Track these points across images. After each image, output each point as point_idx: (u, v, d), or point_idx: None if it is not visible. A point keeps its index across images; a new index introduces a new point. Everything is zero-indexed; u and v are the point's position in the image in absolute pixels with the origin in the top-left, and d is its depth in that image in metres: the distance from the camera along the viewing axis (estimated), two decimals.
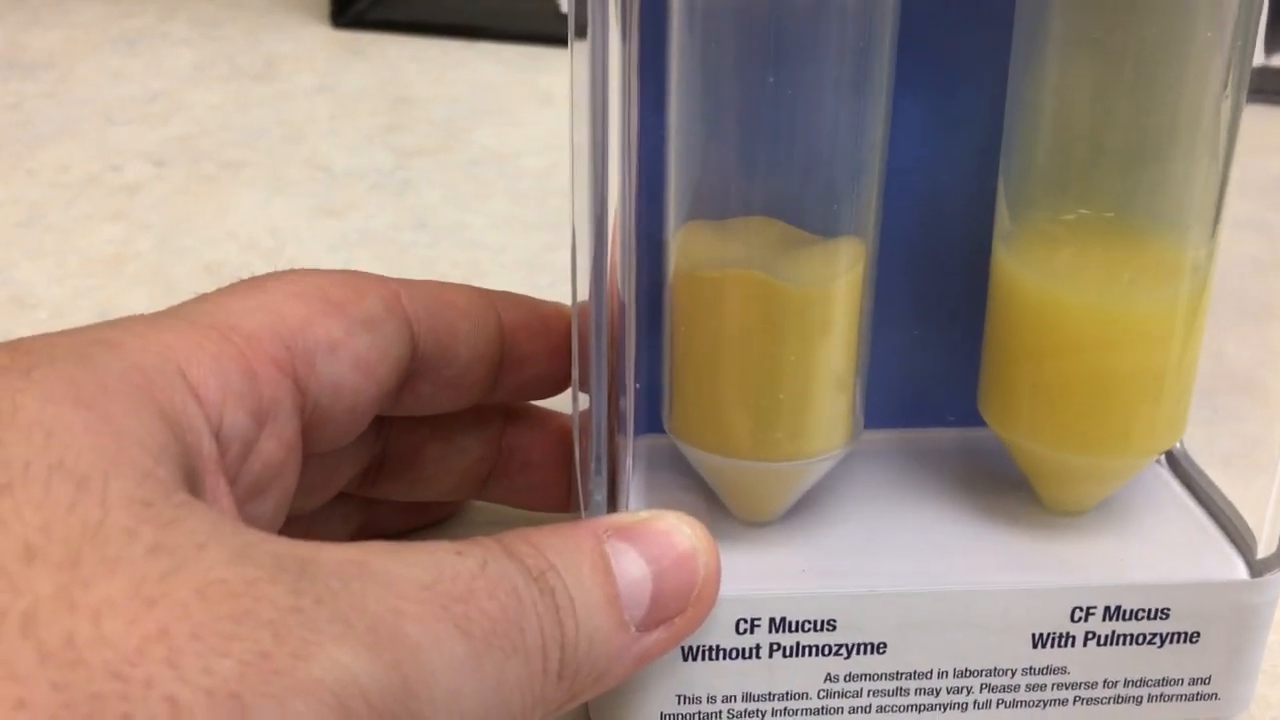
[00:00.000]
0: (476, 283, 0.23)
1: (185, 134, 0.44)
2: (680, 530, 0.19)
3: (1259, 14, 0.20)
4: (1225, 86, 0.19)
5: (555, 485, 0.25)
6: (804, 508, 0.23)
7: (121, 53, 0.51)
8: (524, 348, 0.23)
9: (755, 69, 0.19)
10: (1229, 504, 0.23)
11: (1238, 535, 0.22)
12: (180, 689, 0.13)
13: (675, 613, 0.19)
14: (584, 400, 0.21)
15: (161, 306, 0.21)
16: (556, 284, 0.35)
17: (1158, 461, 0.24)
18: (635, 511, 0.19)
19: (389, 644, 0.15)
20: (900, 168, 0.21)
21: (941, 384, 0.24)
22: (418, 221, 0.39)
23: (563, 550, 0.18)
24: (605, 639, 0.18)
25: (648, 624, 0.18)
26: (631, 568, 0.18)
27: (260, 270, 0.22)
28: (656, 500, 0.23)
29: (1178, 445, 0.24)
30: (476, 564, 0.17)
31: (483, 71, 0.50)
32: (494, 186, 0.41)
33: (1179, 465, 0.24)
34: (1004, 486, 0.23)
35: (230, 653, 0.14)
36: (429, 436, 0.24)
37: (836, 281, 0.20)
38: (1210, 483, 0.23)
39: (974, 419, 0.23)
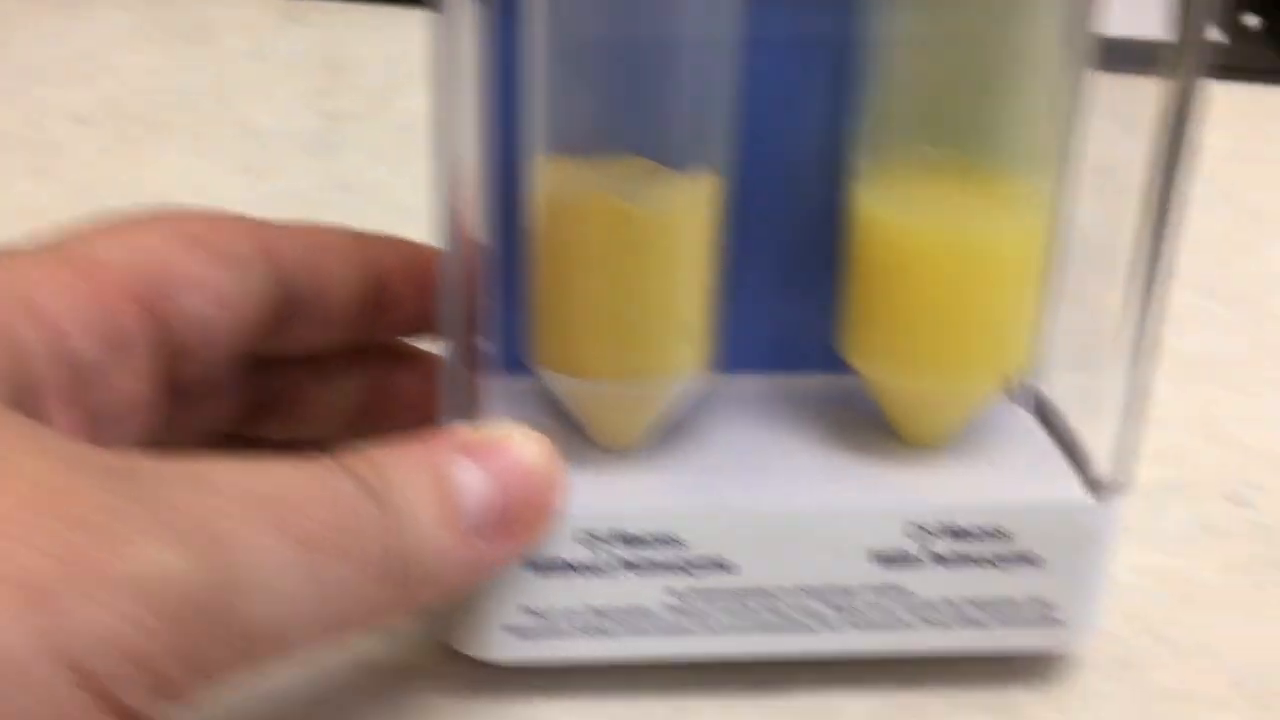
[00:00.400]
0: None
1: (113, 95, 0.44)
2: (524, 445, 0.19)
3: None
4: (1065, 24, 0.20)
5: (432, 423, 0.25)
6: (667, 440, 0.23)
7: (58, 15, 0.50)
8: (399, 288, 0.23)
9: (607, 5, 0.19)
10: (1079, 437, 0.23)
11: (1084, 463, 0.23)
12: None
13: (517, 525, 0.19)
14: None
15: None
16: None
17: (1019, 403, 0.25)
18: (476, 427, 0.20)
19: (208, 542, 0.15)
20: (761, 115, 0.22)
21: (813, 331, 0.24)
22: (342, 183, 0.39)
23: (401, 464, 0.18)
24: (444, 550, 0.18)
25: (489, 535, 0.19)
26: (473, 481, 0.19)
27: None
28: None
29: (1040, 387, 0.24)
30: (309, 475, 0.17)
31: (416, 37, 0.50)
32: (420, 149, 0.41)
33: (1040, 406, 0.24)
34: (866, 425, 0.23)
35: (42, 548, 0.14)
36: (309, 377, 0.24)
37: (691, 210, 0.21)
38: (1065, 420, 0.24)
39: (845, 366, 0.23)
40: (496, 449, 0.19)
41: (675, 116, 0.20)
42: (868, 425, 0.23)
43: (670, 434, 0.23)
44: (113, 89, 0.44)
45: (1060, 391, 0.24)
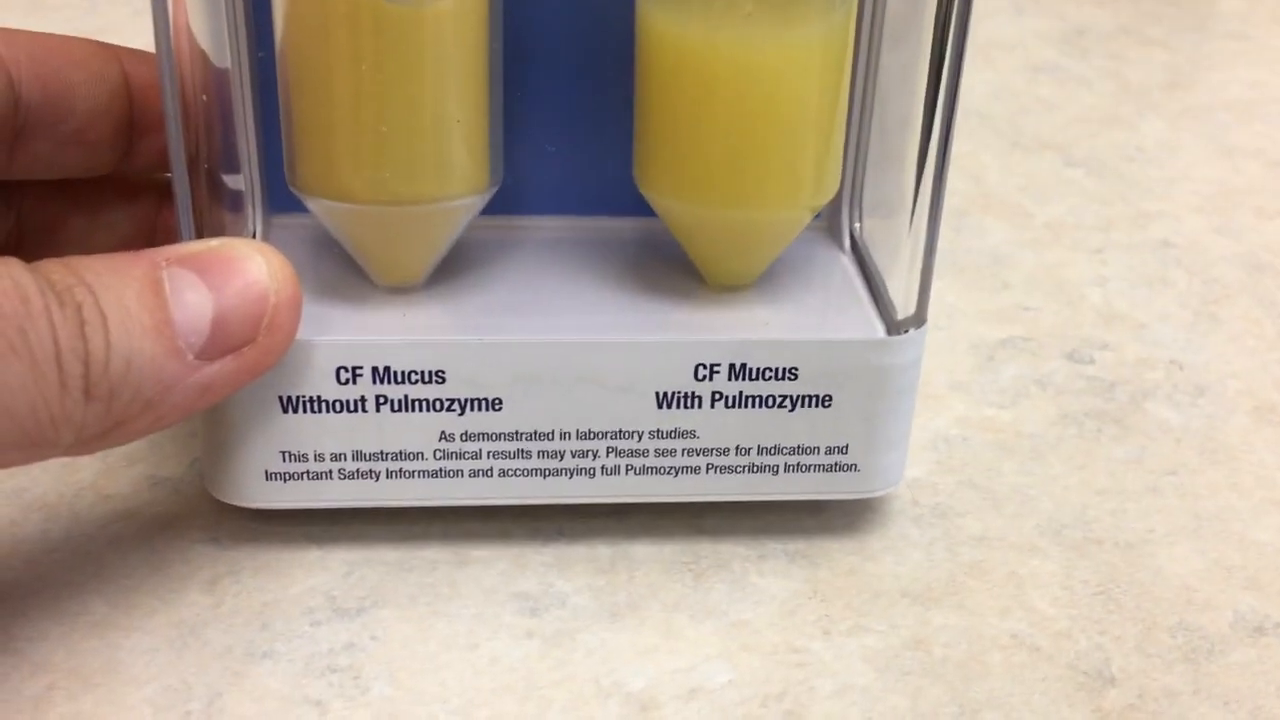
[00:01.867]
0: None
1: None
2: (250, 258, 0.17)
3: None
4: None
5: None
6: (452, 278, 0.21)
7: None
8: (157, 108, 0.21)
9: None
10: (884, 280, 0.22)
11: (886, 306, 0.21)
12: None
13: (243, 342, 0.17)
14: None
15: None
16: None
17: (838, 248, 0.23)
18: (202, 240, 0.18)
19: None
20: None
21: (618, 176, 0.22)
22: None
23: (104, 272, 0.17)
24: (151, 363, 0.16)
25: (210, 353, 0.17)
26: (189, 294, 0.17)
27: None
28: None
29: (857, 230, 0.23)
30: None
31: None
32: None
33: (855, 247, 0.23)
34: (668, 267, 0.22)
35: None
36: (70, 208, 0.22)
37: (457, 6, 0.18)
38: (874, 263, 0.22)
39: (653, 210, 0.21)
40: (220, 261, 0.17)
41: None
42: (671, 267, 0.22)
43: (456, 272, 0.21)
44: None
45: (872, 235, 0.23)
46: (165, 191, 0.23)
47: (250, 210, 0.21)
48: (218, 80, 0.19)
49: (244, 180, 0.21)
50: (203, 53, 0.19)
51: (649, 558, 0.21)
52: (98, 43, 0.21)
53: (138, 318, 0.16)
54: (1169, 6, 0.43)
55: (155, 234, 0.23)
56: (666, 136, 0.20)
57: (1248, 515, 0.23)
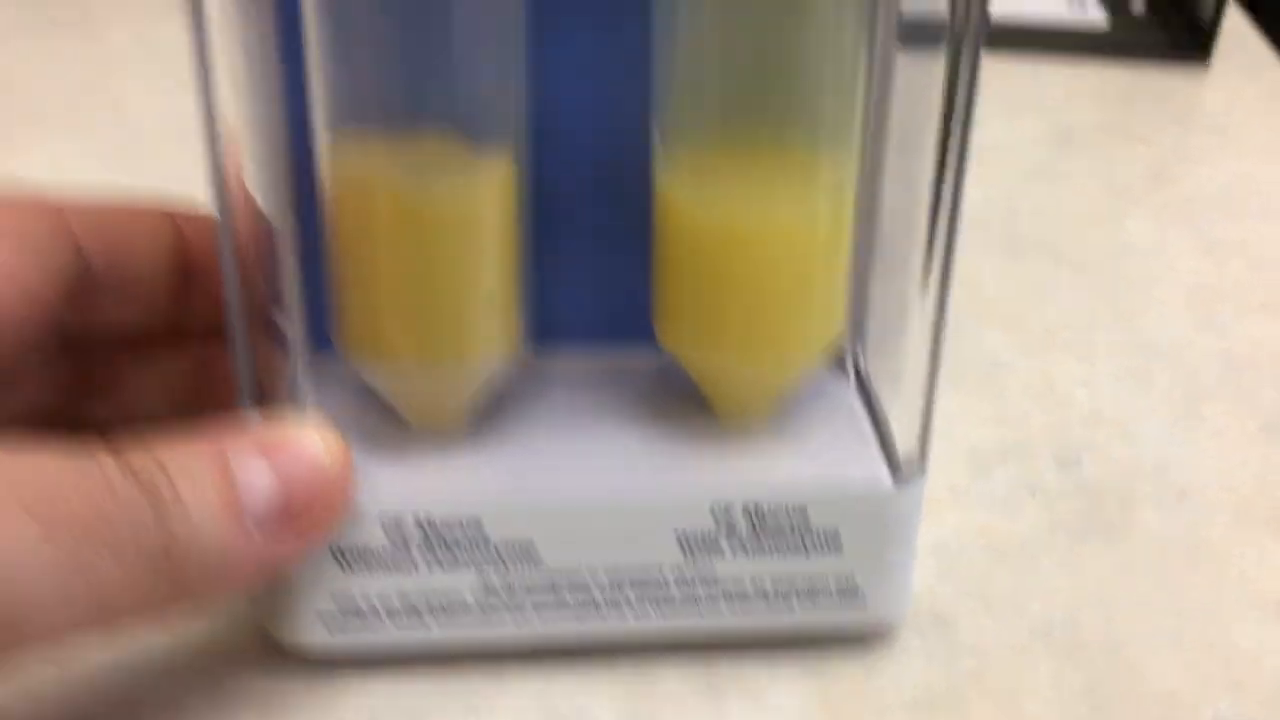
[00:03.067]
0: None
1: None
2: (311, 439, 0.19)
3: None
4: (852, 15, 0.20)
5: None
6: (482, 422, 0.23)
7: None
8: (211, 265, 0.23)
9: None
10: (887, 413, 0.23)
11: (890, 442, 0.23)
12: None
13: (303, 522, 0.19)
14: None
15: None
16: None
17: (846, 379, 0.25)
18: (267, 420, 0.20)
19: None
20: (565, 89, 0.22)
21: (636, 304, 0.24)
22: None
23: (179, 456, 0.18)
24: (219, 542, 0.18)
25: (272, 528, 0.19)
26: (254, 475, 0.19)
27: None
28: (334, 420, 0.22)
29: (863, 364, 0.25)
30: (73, 464, 0.17)
31: None
32: None
33: (859, 376, 0.25)
34: (687, 406, 0.24)
35: None
36: (128, 357, 0.24)
37: (486, 194, 0.20)
38: (879, 400, 0.24)
39: None
40: (283, 443, 0.19)
41: (465, 87, 0.20)
42: (685, 405, 0.24)
43: (486, 414, 0.23)
44: None
45: (874, 363, 0.25)
46: (214, 335, 0.25)
47: (293, 350, 0.23)
48: (266, 231, 0.21)
49: (288, 323, 0.23)
50: (252, 204, 0.21)
51: (670, 677, 0.22)
52: (157, 209, 0.23)
53: (209, 500, 0.18)
54: (1152, 103, 0.45)
55: (202, 372, 0.25)
56: (683, 293, 0.22)
57: (1228, 618, 0.24)
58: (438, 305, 0.21)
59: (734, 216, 0.21)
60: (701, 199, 0.21)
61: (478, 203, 0.20)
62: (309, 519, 0.19)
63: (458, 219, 0.20)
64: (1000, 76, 0.46)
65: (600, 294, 0.24)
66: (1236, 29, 0.51)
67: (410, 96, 0.20)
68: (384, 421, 0.23)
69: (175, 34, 0.48)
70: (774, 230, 0.21)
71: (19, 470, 0.17)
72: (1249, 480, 0.28)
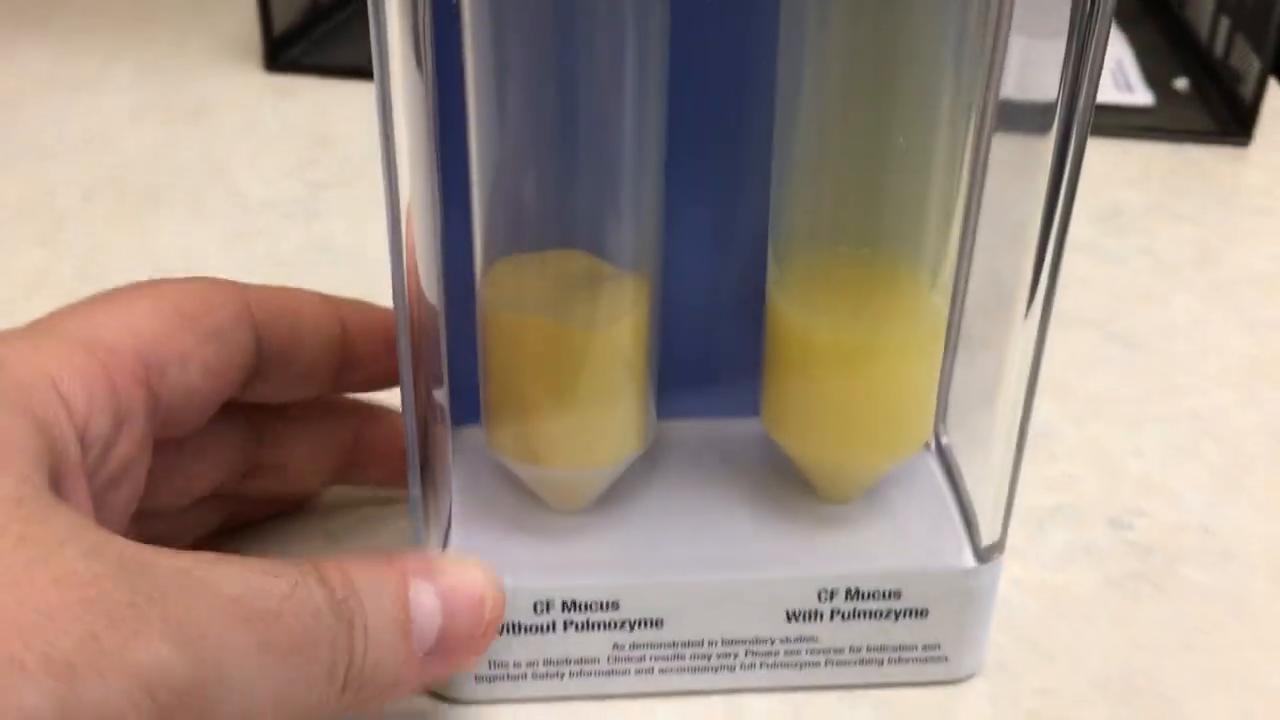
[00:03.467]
0: (371, 299, 0.27)
1: (115, 170, 0.47)
2: (474, 576, 0.22)
3: (991, 68, 0.23)
4: (957, 142, 0.22)
5: (403, 471, 0.28)
6: (609, 498, 0.26)
7: (66, 96, 0.54)
8: (363, 347, 0.27)
9: (547, 115, 0.21)
10: (969, 491, 0.26)
11: (972, 520, 0.25)
12: (25, 653, 0.16)
13: (459, 646, 0.22)
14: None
15: None
16: None
17: (929, 451, 0.28)
18: (443, 553, 0.23)
19: (197, 643, 0.18)
20: (699, 221, 0.25)
21: (741, 381, 0.27)
22: (322, 246, 0.42)
23: (368, 581, 0.21)
24: (393, 663, 0.21)
25: (433, 653, 0.22)
26: (427, 604, 0.21)
27: None
28: (476, 490, 0.26)
29: (945, 438, 0.27)
30: (287, 585, 0.20)
31: None
32: None
33: (945, 455, 0.27)
34: (786, 478, 0.26)
35: (71, 631, 0.17)
36: (294, 442, 0.27)
37: (622, 319, 0.23)
38: (960, 474, 0.27)
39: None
40: (450, 576, 0.22)
41: (610, 214, 0.22)
42: (786, 480, 0.26)
43: (613, 487, 0.26)
44: (115, 164, 0.48)
45: (958, 432, 0.27)
46: (363, 412, 0.29)
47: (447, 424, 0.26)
48: (431, 317, 0.24)
49: (446, 400, 0.25)
50: (421, 292, 0.23)
51: (762, 709, 0.25)
52: (323, 296, 0.27)
53: (389, 625, 0.21)
54: (1196, 181, 0.48)
55: (359, 450, 0.28)
56: (790, 396, 0.25)
57: (1269, 667, 0.26)
58: (581, 417, 0.24)
59: (839, 331, 0.23)
60: (809, 313, 0.24)
61: (618, 324, 0.23)
62: (463, 650, 0.22)
63: (600, 341, 0.23)
64: (1012, 152, 0.49)
65: (710, 374, 0.27)
66: (1278, 108, 0.53)
67: (560, 224, 0.22)
68: (522, 497, 0.26)
69: (279, 119, 0.52)
70: (875, 346, 0.23)
71: (246, 589, 0.19)
72: None
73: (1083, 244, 0.43)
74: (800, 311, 0.24)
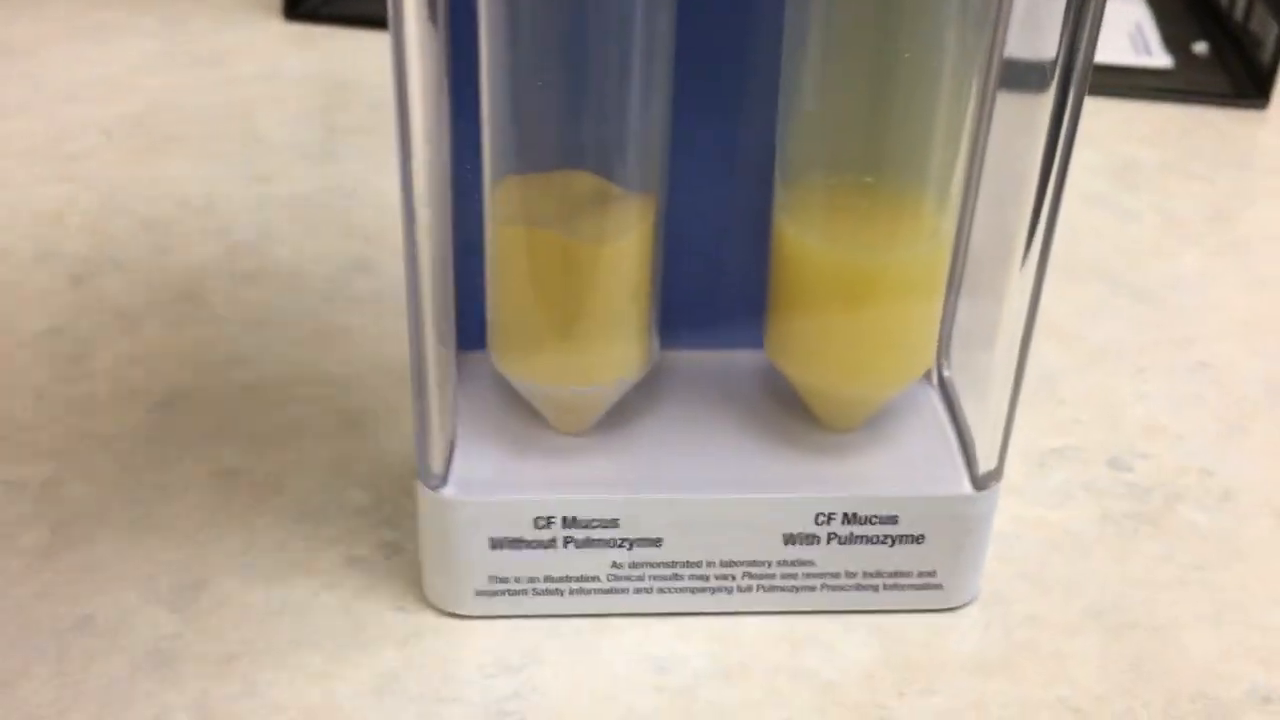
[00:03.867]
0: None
1: (134, 111, 0.48)
2: None
3: (998, 19, 0.23)
4: (967, 60, 0.22)
5: None
6: (612, 421, 0.26)
7: (89, 42, 0.55)
8: None
9: (554, 37, 0.21)
10: (969, 422, 0.26)
11: (971, 450, 0.26)
12: None
13: None
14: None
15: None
16: None
17: (930, 384, 0.28)
18: None
19: None
20: (706, 143, 0.25)
21: (743, 313, 0.27)
22: (338, 186, 0.43)
23: None
24: None
25: None
26: None
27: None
28: (482, 413, 0.26)
29: (946, 372, 0.28)
30: None
31: None
32: None
33: (946, 389, 0.28)
34: (789, 408, 0.27)
35: None
36: None
37: (627, 236, 0.23)
38: (960, 407, 0.27)
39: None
40: None
41: (615, 135, 0.23)
42: (787, 407, 0.27)
43: (616, 412, 0.26)
44: (135, 106, 0.48)
45: (959, 374, 0.27)
46: None
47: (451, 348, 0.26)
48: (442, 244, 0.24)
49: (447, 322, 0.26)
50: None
51: (757, 631, 0.25)
52: None
53: None
54: (1212, 143, 0.48)
55: None
56: (795, 321, 0.25)
57: (1264, 604, 0.27)
58: (586, 334, 0.24)
59: (843, 255, 0.24)
60: (815, 237, 0.24)
61: (623, 241, 0.23)
62: None
63: (606, 257, 0.23)
64: (1012, 109, 0.49)
65: (714, 304, 0.27)
66: None
67: (567, 143, 0.23)
68: (526, 418, 0.26)
69: (301, 68, 0.53)
70: (880, 271, 0.24)
71: None
72: None
73: (1097, 198, 0.43)
74: (805, 237, 0.24)
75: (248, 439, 0.30)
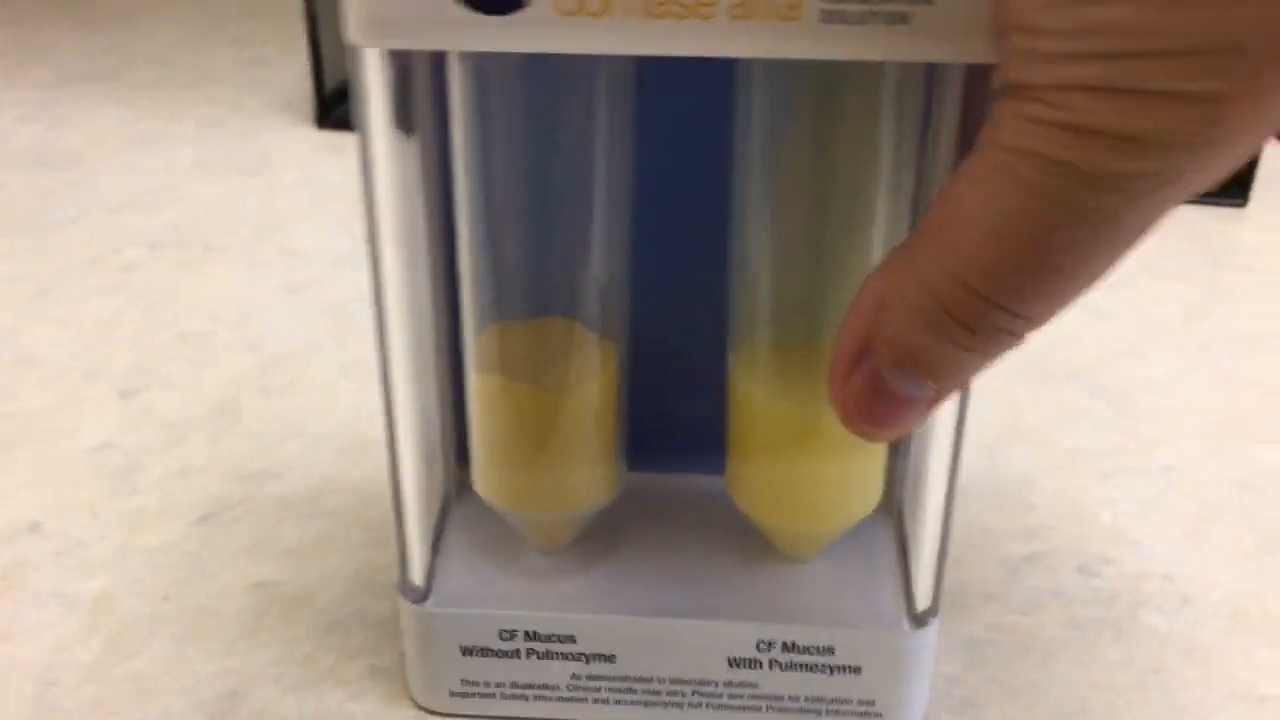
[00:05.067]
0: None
1: (179, 221, 0.51)
2: None
3: (929, 160, 0.24)
4: (897, 234, 0.24)
5: None
6: (586, 542, 0.29)
7: (134, 150, 0.59)
8: None
9: (530, 193, 0.24)
10: (912, 558, 0.28)
11: (911, 585, 0.27)
12: None
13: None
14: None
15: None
16: None
17: (889, 518, 0.30)
18: None
19: None
20: (665, 297, 0.27)
21: (712, 441, 0.29)
22: (366, 296, 0.46)
23: None
24: None
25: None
26: None
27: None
28: (474, 527, 0.29)
29: (904, 505, 0.29)
30: None
31: None
32: None
33: (900, 522, 0.29)
34: (747, 533, 0.29)
35: None
36: None
37: (592, 382, 0.26)
38: (910, 546, 0.28)
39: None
40: None
41: (587, 285, 0.25)
42: (747, 534, 0.28)
43: (590, 533, 0.29)
44: (179, 216, 0.52)
45: (909, 508, 0.29)
46: None
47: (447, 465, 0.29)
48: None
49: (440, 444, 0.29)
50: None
51: None
52: None
53: None
54: (1191, 241, 0.50)
55: None
56: (749, 465, 0.27)
57: (1214, 709, 0.29)
58: (557, 468, 0.26)
59: (789, 408, 0.25)
60: (763, 391, 0.26)
61: (590, 386, 0.26)
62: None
63: (573, 403, 0.26)
64: None
65: (679, 429, 0.30)
66: (1275, 170, 0.56)
67: (539, 292, 0.25)
68: (510, 538, 0.29)
69: (333, 175, 0.56)
70: (823, 421, 0.25)
71: None
72: (1244, 592, 0.32)
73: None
74: (754, 390, 0.26)
75: (282, 552, 0.33)
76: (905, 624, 0.27)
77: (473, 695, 0.28)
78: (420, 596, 0.27)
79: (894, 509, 0.30)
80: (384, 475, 0.38)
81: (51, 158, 0.58)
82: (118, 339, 0.43)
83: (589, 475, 0.27)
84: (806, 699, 0.27)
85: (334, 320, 0.44)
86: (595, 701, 0.28)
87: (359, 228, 0.51)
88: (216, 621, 0.31)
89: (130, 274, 0.47)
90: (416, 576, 0.27)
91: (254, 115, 0.63)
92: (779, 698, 0.27)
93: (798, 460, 0.26)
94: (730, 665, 0.27)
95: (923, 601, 0.27)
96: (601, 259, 0.25)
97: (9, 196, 0.54)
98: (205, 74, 0.69)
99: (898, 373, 0.20)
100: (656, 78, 0.24)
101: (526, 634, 0.27)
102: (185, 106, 0.64)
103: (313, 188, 0.55)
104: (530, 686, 0.28)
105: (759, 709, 0.28)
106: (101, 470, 0.36)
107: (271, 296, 0.46)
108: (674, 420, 0.29)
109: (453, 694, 0.28)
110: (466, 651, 0.27)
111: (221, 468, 0.36)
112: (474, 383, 0.27)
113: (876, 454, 0.27)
